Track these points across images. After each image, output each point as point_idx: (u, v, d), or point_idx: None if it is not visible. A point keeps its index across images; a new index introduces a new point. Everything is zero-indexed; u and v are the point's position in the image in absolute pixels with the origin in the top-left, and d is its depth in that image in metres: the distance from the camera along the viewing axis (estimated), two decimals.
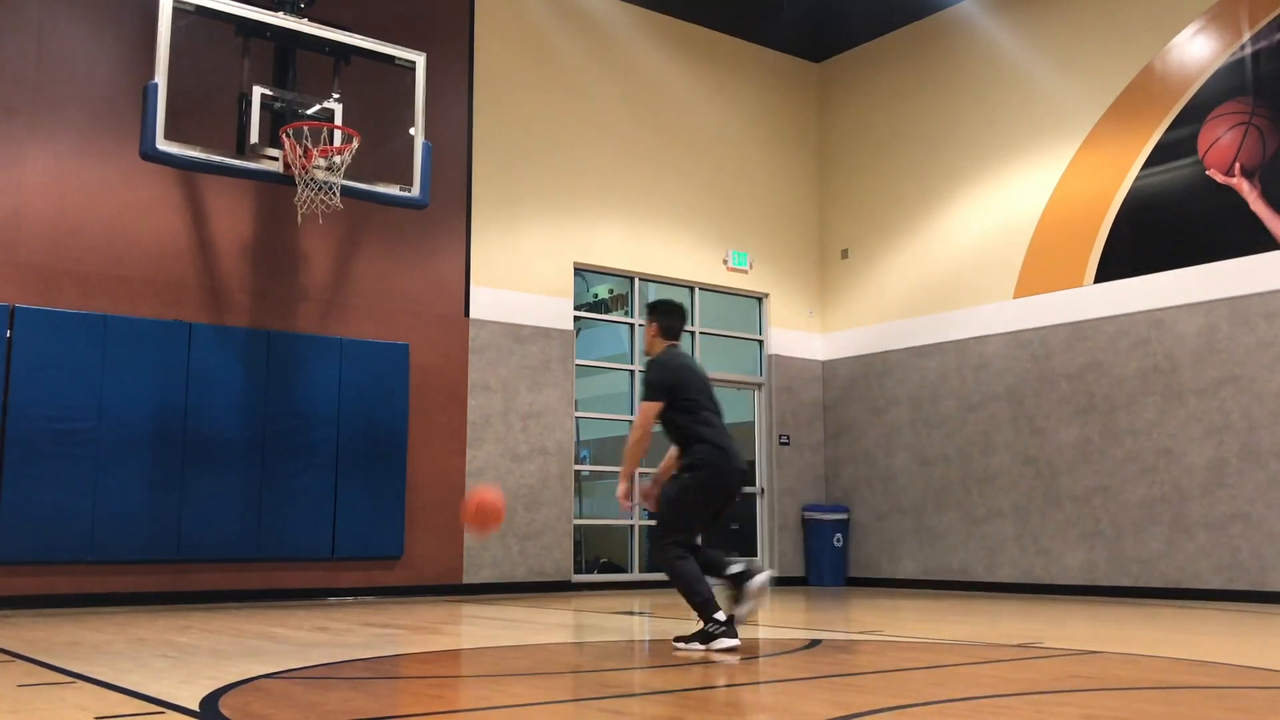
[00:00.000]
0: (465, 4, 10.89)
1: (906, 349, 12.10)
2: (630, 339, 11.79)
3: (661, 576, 11.49)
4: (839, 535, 12.30)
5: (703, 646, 5.22)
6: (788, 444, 12.57)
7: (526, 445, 10.64)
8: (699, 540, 5.60)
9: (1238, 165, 9.62)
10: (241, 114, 8.42)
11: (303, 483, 9.23)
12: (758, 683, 4.46)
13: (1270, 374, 9.24)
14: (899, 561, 11.91)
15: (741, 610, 5.30)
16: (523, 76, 11.19)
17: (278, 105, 8.55)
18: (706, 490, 5.49)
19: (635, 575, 11.46)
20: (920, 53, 12.44)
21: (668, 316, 5.82)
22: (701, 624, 5.29)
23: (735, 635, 5.23)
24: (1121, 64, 10.53)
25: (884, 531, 12.09)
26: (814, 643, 5.83)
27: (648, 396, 5.56)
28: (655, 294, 12.39)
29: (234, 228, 9.34)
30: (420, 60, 9.10)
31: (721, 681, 4.47)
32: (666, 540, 5.44)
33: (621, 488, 5.73)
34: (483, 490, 5.80)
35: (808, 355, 12.95)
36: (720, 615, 5.25)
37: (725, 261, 12.41)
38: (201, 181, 9.10)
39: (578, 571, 11.10)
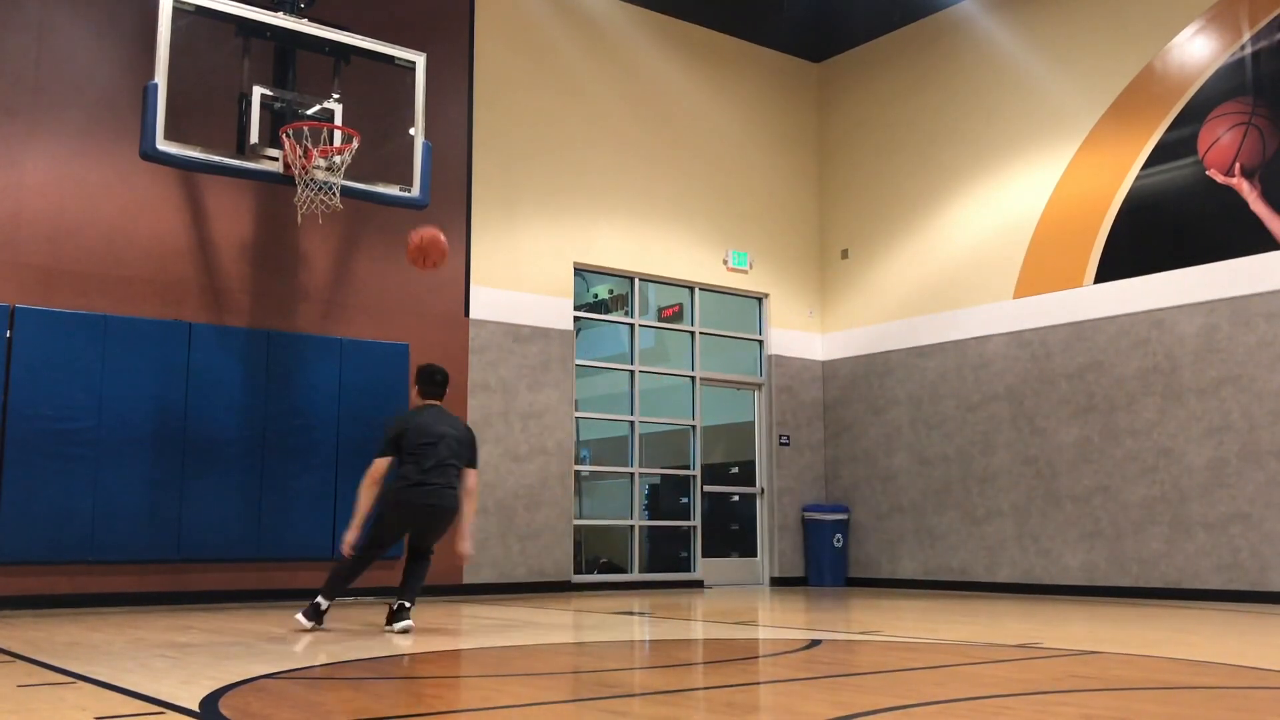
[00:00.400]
0: (465, 4, 10.89)
1: (906, 349, 12.10)
2: (630, 339, 11.79)
3: (661, 577, 11.56)
4: (839, 535, 12.30)
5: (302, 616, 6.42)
6: (788, 444, 12.57)
7: (526, 445, 10.64)
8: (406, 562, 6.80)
9: (1238, 165, 9.62)
10: (241, 114, 8.42)
11: (303, 483, 9.22)
12: (758, 683, 4.46)
13: (1270, 374, 9.25)
14: (899, 561, 11.91)
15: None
16: (523, 76, 11.19)
17: (278, 105, 8.55)
18: (397, 519, 6.67)
19: (635, 575, 11.46)
20: (920, 53, 12.44)
21: (425, 383, 7.00)
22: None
23: (312, 618, 6.41)
24: (1121, 64, 10.53)
25: (884, 531, 12.10)
26: (814, 643, 5.83)
27: (379, 452, 6.69)
28: (655, 294, 12.42)
29: (234, 228, 9.34)
30: (420, 60, 9.10)
31: (722, 681, 4.47)
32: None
33: (349, 537, 6.59)
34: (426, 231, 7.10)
35: (808, 355, 12.95)
36: (321, 601, 6.47)
37: (725, 261, 12.41)
38: (201, 181, 9.09)
39: (578, 571, 11.10)
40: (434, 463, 6.64)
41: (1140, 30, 10.44)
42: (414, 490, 6.60)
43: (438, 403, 6.98)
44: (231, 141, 8.40)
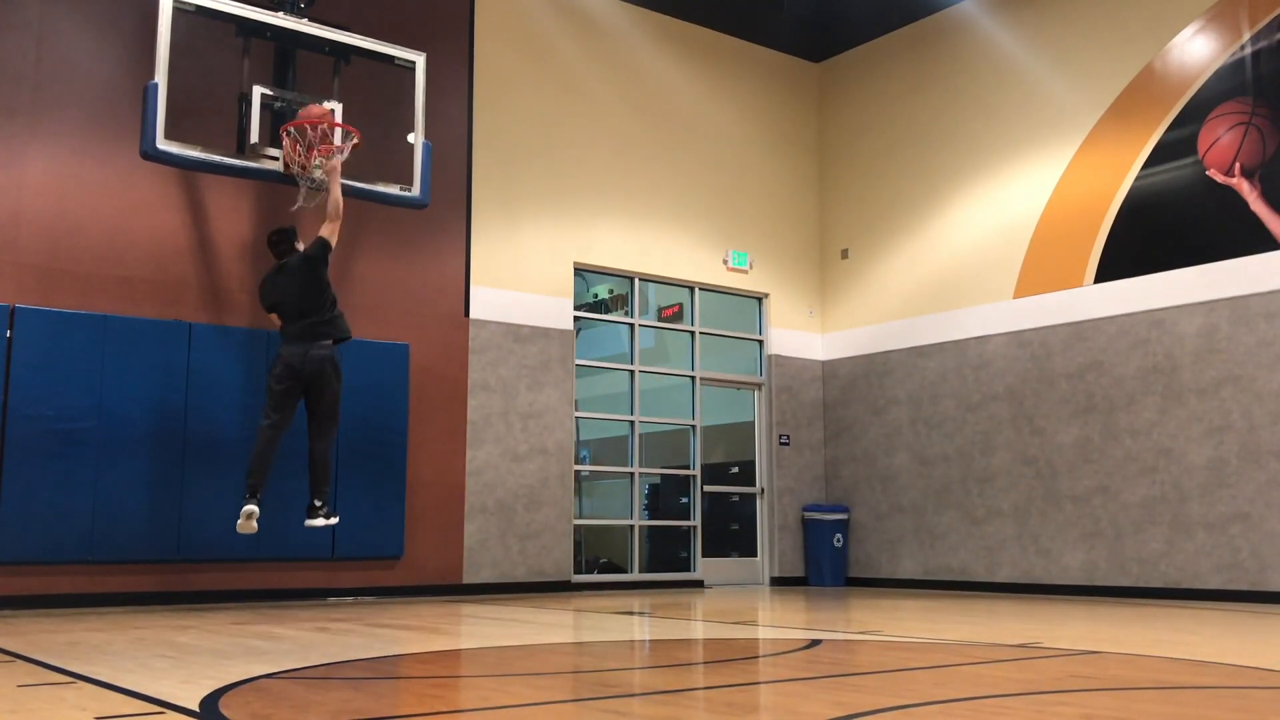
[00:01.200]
0: (465, 4, 10.89)
1: (906, 349, 12.10)
2: (630, 339, 11.79)
3: (661, 577, 11.57)
4: (839, 535, 12.30)
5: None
6: (788, 444, 12.57)
7: (526, 445, 10.64)
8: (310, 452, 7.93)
9: (1238, 165, 9.62)
10: (241, 114, 8.42)
11: (302, 482, 9.20)
12: (758, 683, 4.46)
13: (1270, 374, 9.25)
14: (899, 561, 11.91)
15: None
16: (523, 76, 11.19)
17: (278, 105, 8.55)
18: (275, 379, 7.81)
19: (635, 575, 11.46)
20: (920, 53, 12.44)
21: (270, 245, 8.24)
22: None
23: (246, 512, 7.41)
24: (1121, 64, 10.53)
25: (884, 531, 12.09)
26: (814, 643, 5.83)
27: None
28: (655, 294, 12.42)
29: (234, 228, 9.34)
30: (420, 60, 9.10)
31: (722, 681, 4.47)
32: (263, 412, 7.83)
33: None
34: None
35: (808, 355, 12.95)
36: (247, 506, 7.41)
37: (725, 261, 12.41)
38: (201, 181, 9.09)
39: (578, 571, 11.10)
40: (300, 319, 7.84)
41: (1140, 30, 10.44)
42: (289, 351, 7.84)
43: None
44: (231, 141, 8.41)
